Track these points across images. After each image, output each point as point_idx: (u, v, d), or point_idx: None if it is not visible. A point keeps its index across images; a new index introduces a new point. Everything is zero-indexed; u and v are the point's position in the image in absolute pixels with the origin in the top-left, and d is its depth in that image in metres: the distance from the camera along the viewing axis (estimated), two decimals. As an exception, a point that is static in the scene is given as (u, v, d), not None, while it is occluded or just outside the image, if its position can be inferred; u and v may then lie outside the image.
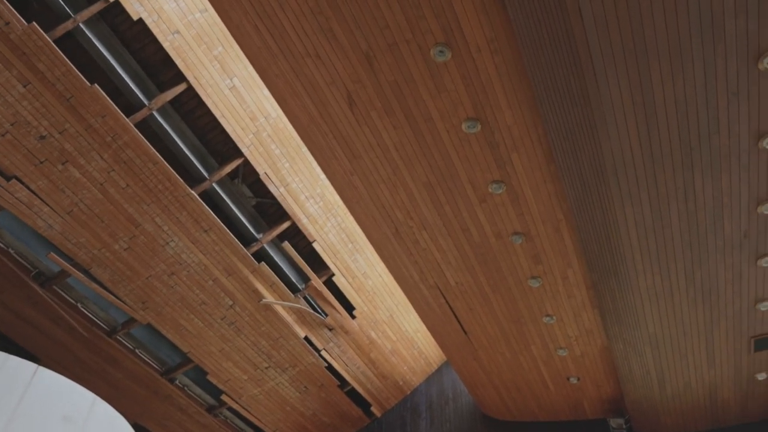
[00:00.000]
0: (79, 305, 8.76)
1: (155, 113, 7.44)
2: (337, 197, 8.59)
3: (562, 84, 4.74)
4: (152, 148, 7.36)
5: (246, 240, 8.78)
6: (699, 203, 5.57)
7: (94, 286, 8.29)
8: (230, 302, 9.02)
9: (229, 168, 8.05)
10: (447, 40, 4.84)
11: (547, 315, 7.65)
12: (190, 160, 7.86)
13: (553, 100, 4.94)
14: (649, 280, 6.38)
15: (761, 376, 7.88)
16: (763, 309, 6.81)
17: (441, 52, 4.91)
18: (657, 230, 5.81)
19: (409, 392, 11.77)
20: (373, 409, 11.50)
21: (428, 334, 11.09)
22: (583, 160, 5.22)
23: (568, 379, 8.93)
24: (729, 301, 6.72)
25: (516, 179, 5.91)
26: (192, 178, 8.01)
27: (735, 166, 5.23)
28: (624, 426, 9.30)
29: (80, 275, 8.12)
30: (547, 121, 5.18)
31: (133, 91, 7.24)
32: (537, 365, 8.75)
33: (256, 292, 8.97)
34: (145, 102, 7.32)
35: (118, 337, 9.15)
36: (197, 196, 7.86)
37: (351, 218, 9.07)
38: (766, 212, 5.66)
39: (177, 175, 7.63)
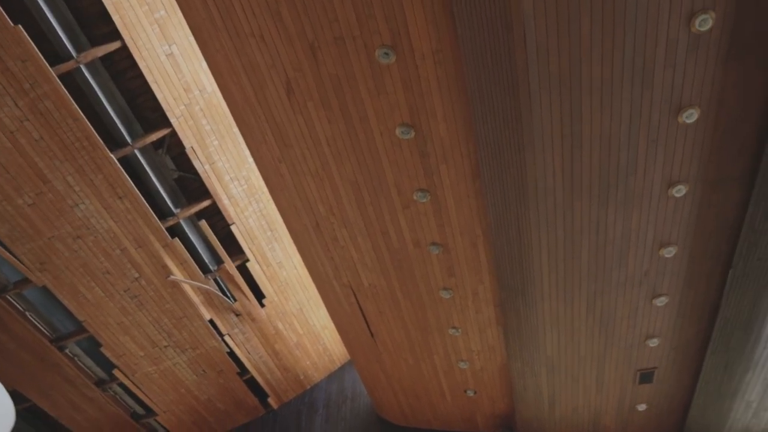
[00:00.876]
0: (-33, 257, 8.19)
1: (83, 67, 7.06)
2: (262, 182, 8.44)
3: (497, 104, 4.84)
4: (74, 103, 6.97)
5: (162, 213, 8.47)
6: (609, 238, 5.83)
7: (-11, 239, 7.77)
8: (136, 275, 8.67)
9: (154, 137, 7.74)
10: (393, 44, 4.85)
11: (454, 327, 7.80)
12: (114, 122, 7.50)
13: (487, 119, 5.05)
14: (553, 305, 6.62)
15: (641, 407, 8.35)
16: (651, 345, 7.21)
17: (386, 54, 4.91)
18: (567, 259, 6.04)
19: (308, 387, 11.71)
20: (270, 400, 11.36)
21: (335, 331, 11.08)
22: (508, 180, 5.35)
23: (465, 391, 9.13)
24: (623, 334, 7.08)
25: (441, 190, 5.99)
26: (113, 141, 7.65)
27: (645, 208, 5.51)
28: (512, 442, 9.61)
29: (-26, 226, 7.59)
30: (478, 138, 5.28)
31: (61, 40, 6.83)
32: (437, 375, 8.90)
33: (165, 267, 8.67)
34: (74, 54, 6.93)
35: (8, 297, 8.61)
36: (116, 161, 7.51)
37: (273, 206, 8.93)
38: (666, 255, 6.00)
39: (97, 136, 7.26)
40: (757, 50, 4.37)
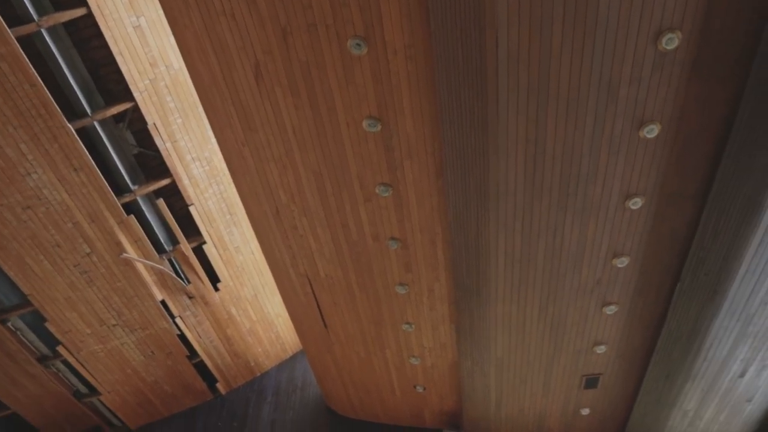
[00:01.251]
0: None
1: (44, 32, 6.80)
2: (224, 165, 8.30)
3: (465, 105, 4.86)
4: (32, 68, 6.72)
5: (119, 189, 8.26)
6: (565, 245, 5.93)
7: (-68, 203, 7.46)
8: (88, 250, 8.44)
9: (115, 110, 7.53)
10: (366, 35, 4.81)
11: (407, 322, 7.83)
12: (75, 92, 7.26)
13: (453, 119, 5.06)
14: (506, 307, 6.71)
15: (585, 411, 8.54)
16: (598, 352, 7.38)
17: (358, 45, 4.87)
18: (523, 262, 6.12)
19: (258, 374, 11.62)
20: (218, 385, 11.24)
21: (289, 320, 11.01)
22: (470, 181, 5.38)
23: (415, 387, 9.19)
24: (572, 339, 7.22)
25: (404, 186, 5.99)
26: (72, 111, 7.41)
27: (602, 217, 5.62)
28: (457, 439, 9.73)
29: None
30: (444, 137, 5.30)
31: (23, 1, 6.57)
32: (388, 369, 8.93)
33: (118, 244, 8.46)
34: (35, 17, 6.67)
35: (-52, 265, 8.29)
36: (74, 131, 7.28)
37: (234, 189, 8.80)
38: (619, 265, 6.14)
39: (55, 104, 7.02)
40: (718, 72, 4.48)
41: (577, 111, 4.70)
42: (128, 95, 7.50)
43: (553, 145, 4.98)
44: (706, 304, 6.04)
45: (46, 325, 9.19)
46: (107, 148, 7.85)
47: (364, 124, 5.46)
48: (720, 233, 5.36)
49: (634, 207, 5.49)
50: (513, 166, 5.13)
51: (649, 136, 4.87)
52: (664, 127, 4.85)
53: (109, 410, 10.91)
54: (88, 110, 7.41)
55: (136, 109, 7.60)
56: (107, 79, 7.56)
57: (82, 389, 10.55)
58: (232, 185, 8.72)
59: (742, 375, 7.02)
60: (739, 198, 4.99)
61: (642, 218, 5.66)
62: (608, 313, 6.78)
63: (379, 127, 5.47)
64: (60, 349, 9.56)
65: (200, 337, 10.27)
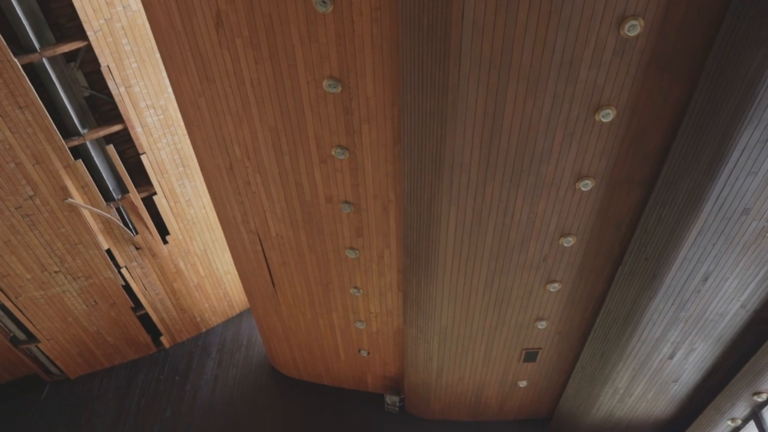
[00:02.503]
0: None
1: (-9, -41, 6.43)
2: (180, 115, 8.07)
3: (427, 74, 4.81)
4: (-23, -4, 6.35)
5: (67, 131, 7.95)
6: (514, 221, 6.01)
7: None
8: (31, 193, 8.14)
9: (67, 47, 7.18)
10: (332, -8, 4.70)
11: (355, 287, 7.87)
12: (22, 24, 6.89)
13: (415, 86, 5.02)
14: (453, 278, 6.80)
15: (522, 384, 8.80)
16: (540, 327, 7.58)
17: (323, 2, 4.75)
18: (473, 236, 6.19)
19: (204, 330, 11.55)
20: (162, 339, 11.13)
21: (237, 278, 10.93)
22: (426, 151, 5.38)
23: (359, 351, 9.30)
24: (515, 313, 7.39)
25: (360, 150, 5.94)
26: (19, 45, 7.05)
27: (552, 197, 5.71)
28: (398, 404, 9.91)
29: None
30: (404, 103, 5.25)
31: (-31, -76, 6.18)
32: (334, 332, 9.00)
33: (64, 189, 8.18)
34: (-18, -58, 6.28)
35: None
36: (20, 66, 6.93)
37: (188, 141, 8.59)
38: (565, 245, 6.27)
39: (0, 36, 6.66)
40: (675, 64, 4.56)
41: (537, 89, 4.72)
42: (81, 34, 7.17)
43: (510, 120, 5.00)
44: (644, 288, 6.24)
45: (-16, 267, 8.90)
46: (56, 88, 7.52)
47: (325, 84, 5.36)
48: (663, 221, 5.52)
49: (584, 189, 5.59)
50: (470, 138, 5.14)
51: (604, 120, 4.94)
52: (619, 114, 4.92)
53: (48, 358, 10.70)
54: (37, 45, 7.06)
55: (89, 49, 7.28)
56: (59, 14, 7.20)
57: (20, 335, 10.29)
58: (187, 137, 8.50)
59: (671, 357, 7.33)
60: (683, 190, 5.14)
61: (591, 200, 5.77)
62: (551, 290, 6.95)
63: (340, 89, 5.39)
64: (-3, 292, 9.28)
65: (146, 289, 10.12)
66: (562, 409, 9.09)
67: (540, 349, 8.09)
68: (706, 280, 6.02)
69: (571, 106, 4.87)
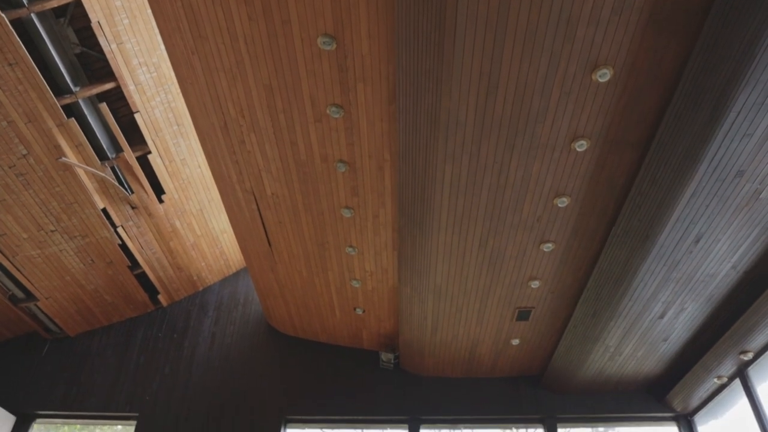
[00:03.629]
0: None
1: None
2: (173, 73, 7.96)
3: (422, 32, 4.75)
4: (-38, -52, 6.18)
5: (59, 89, 7.85)
6: (509, 181, 6.02)
7: None
8: (24, 151, 8.09)
9: (56, 2, 7.02)
10: (325, -54, 4.59)
11: (351, 246, 7.92)
12: (9, -22, 6.75)
13: (410, 44, 4.95)
14: (447, 237, 6.84)
15: (515, 342, 8.96)
16: (533, 286, 7.67)
17: (316, -44, 4.66)
18: (467, 195, 6.21)
19: (201, 289, 11.65)
20: (160, 297, 11.23)
21: (233, 236, 10.97)
22: (421, 109, 5.34)
23: (354, 309, 9.41)
24: (508, 272, 7.47)
25: (356, 108, 5.90)
26: (7, 0, 6.90)
27: (547, 157, 5.70)
28: (393, 361, 10.09)
29: None
30: (399, 62, 5.20)
31: None
32: (329, 290, 9.09)
33: (57, 148, 8.13)
34: None
35: None
36: (8, 22, 6.79)
37: (182, 100, 8.49)
38: (560, 205, 6.29)
39: (-13, -9, 6.53)
40: (673, 23, 4.50)
41: (534, 48, 4.66)
42: (70, -12, 7.02)
43: (506, 80, 4.96)
44: (637, 248, 6.30)
45: (-20, 226, 8.90)
46: (46, 45, 7.38)
47: (319, 41, 5.29)
48: (657, 182, 5.53)
49: (579, 149, 5.59)
50: (465, 97, 5.10)
51: (601, 80, 4.90)
52: (616, 73, 4.88)
53: (47, 316, 10.80)
54: (25, 0, 6.91)
55: (78, 4, 7.13)
56: (47, -31, 7.03)
57: (19, 294, 10.37)
58: (180, 95, 8.40)
59: (661, 316, 7.45)
60: (678, 151, 5.14)
61: (586, 161, 5.77)
62: (545, 250, 7.01)
63: (334, 46, 5.32)
64: (-6, 251, 9.31)
65: (142, 248, 10.16)
66: (554, 366, 9.27)
67: (533, 308, 8.20)
68: (698, 241, 6.07)
69: (568, 65, 4.82)
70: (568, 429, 9.90)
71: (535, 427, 9.86)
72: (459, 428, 9.94)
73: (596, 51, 4.72)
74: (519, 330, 8.75)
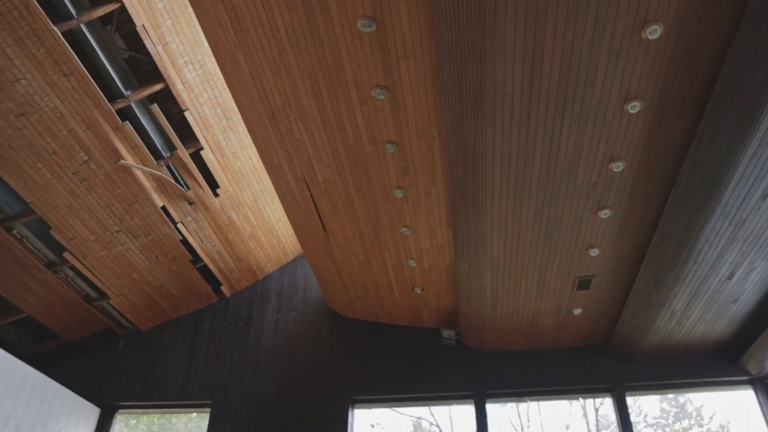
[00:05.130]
0: None
1: (20, -73, 6.46)
2: (218, 68, 8.11)
3: (463, 5, 4.68)
4: (11, -34, 6.43)
5: (112, 94, 8.12)
6: (561, 149, 5.91)
7: (-75, 110, 7.36)
8: (85, 157, 8.42)
9: (102, 11, 7.24)
10: (358, -72, 4.57)
11: (405, 226, 7.95)
12: (57, -9, 6.98)
13: (451, 19, 4.89)
14: (502, 211, 6.78)
15: (577, 311, 8.84)
16: (592, 254, 7.53)
17: (350, -62, 4.64)
18: (519, 167, 6.13)
19: (261, 277, 11.93)
20: (223, 288, 11.56)
21: (289, 224, 11.16)
22: (466, 84, 5.29)
23: (413, 288, 9.47)
24: (566, 242, 7.35)
25: (400, 88, 5.88)
26: (56, 13, 7.14)
27: (600, 121, 5.56)
28: (454, 337, 10.12)
29: None
30: (440, 38, 5.14)
31: None
32: (387, 271, 9.16)
33: (115, 151, 8.44)
34: None
35: (-52, 173, 8.30)
36: (60, 35, 7.05)
37: (229, 93, 8.63)
38: (615, 170, 6.14)
39: (38, 5, 6.76)
40: (727, -33, 4.29)
41: (578, 10, 4.53)
42: (114, -5, 7.21)
43: (552, 47, 4.84)
44: (699, 208, 6.09)
45: (51, 232, 9.34)
46: (96, 53, 7.64)
47: (359, 23, 5.29)
48: (717, 139, 5.32)
49: (632, 111, 5.42)
50: (510, 69, 5.02)
51: (651, 37, 4.73)
52: (666, 29, 4.70)
53: (120, 313, 11.30)
54: (74, 12, 7.15)
55: (123, 10, 7.32)
56: (91, -22, 7.24)
57: (92, 293, 10.87)
58: (227, 89, 8.55)
59: (729, 277, 7.20)
60: (737, 107, 4.92)
61: (640, 123, 5.60)
62: (602, 217, 6.86)
63: (374, 27, 5.31)
64: (66, 255, 9.76)
65: (202, 242, 10.46)
66: (619, 333, 9.11)
67: (593, 276, 8.06)
68: (765, 197, 5.82)
69: (615, 25, 4.67)
70: (637, 397, 9.74)
71: (603, 397, 9.74)
72: (525, 401, 9.92)
73: (644, 7, 4.55)
74: (580, 299, 8.62)
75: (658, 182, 6.36)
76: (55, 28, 6.96)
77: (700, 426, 9.85)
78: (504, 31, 4.66)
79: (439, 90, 5.83)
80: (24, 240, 9.52)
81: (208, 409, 10.40)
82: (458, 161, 6.33)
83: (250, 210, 10.62)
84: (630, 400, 9.50)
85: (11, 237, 9.29)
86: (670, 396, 9.84)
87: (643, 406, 9.99)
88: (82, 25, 7.26)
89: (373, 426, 10.23)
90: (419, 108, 6.09)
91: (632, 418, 9.28)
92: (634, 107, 5.37)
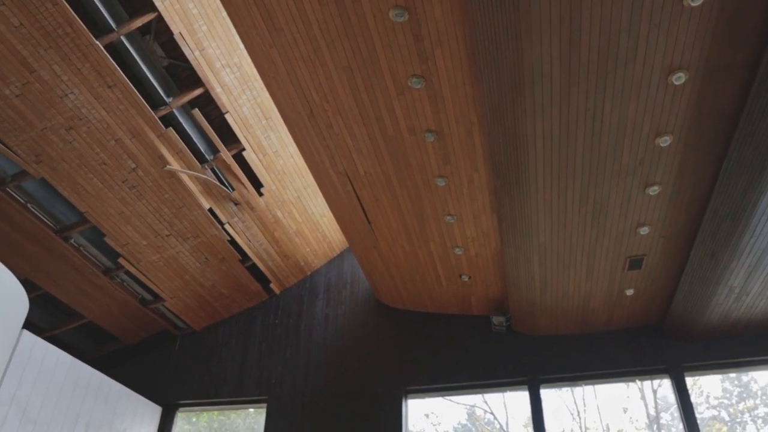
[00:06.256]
0: (-37, 150, 8.14)
1: (58, -54, 6.66)
2: (255, 70, 8.22)
3: (494, -15, 4.62)
4: (52, -16, 6.65)
5: (154, 102, 8.33)
6: (605, 127, 5.78)
7: (-19, 130, 7.70)
8: (133, 165, 8.67)
9: (140, 22, 7.43)
10: None
11: (449, 214, 7.92)
12: (96, 6, 7.17)
13: (483, 1, 4.83)
14: (547, 193, 6.68)
15: (629, 292, 8.65)
16: (642, 233, 7.35)
17: (377, -71, 4.63)
18: (562, 148, 6.02)
19: (309, 273, 12.07)
20: (272, 285, 11.76)
21: (333, 219, 11.25)
22: (503, 67, 5.22)
23: (460, 276, 9.43)
24: (615, 222, 7.20)
25: (436, 76, 5.85)
26: (98, 27, 7.36)
27: (643, 96, 5.41)
28: (504, 324, 10.04)
29: (-36, 116, 7.49)
30: (474, 22, 5.09)
31: None
32: (433, 261, 9.15)
33: (161, 157, 8.66)
34: (48, -70, 6.52)
35: (7, 189, 8.66)
36: (102, 48, 7.27)
37: (267, 94, 8.74)
38: (662, 144, 5.97)
39: (80, 22, 6.98)
40: (772, -76, 4.11)
41: (615, -18, 4.42)
42: (150, 5, 7.36)
43: (589, 23, 4.73)
44: (754, 179, 5.86)
45: (105, 239, 9.67)
46: (137, 63, 7.84)
47: (391, 14, 5.28)
48: (770, 104, 5.11)
49: (677, 82, 5.26)
50: (548, 48, 4.92)
51: (693, 3, 4.56)
52: (709, -7, 4.53)
53: (174, 314, 11.63)
54: (113, 25, 7.35)
55: (160, 19, 7.49)
56: (127, -11, 7.43)
57: (147, 297, 11.21)
58: (265, 90, 8.66)
59: (791, 248, 6.92)
60: (792, 64, 4.71)
61: (686, 94, 5.43)
62: (651, 193, 6.69)
63: (407, 17, 5.29)
64: (121, 261, 10.10)
65: (250, 242, 10.65)
66: (674, 313, 8.88)
67: (645, 255, 7.87)
68: (824, 162, 5.57)
69: (655, -6, 4.53)
70: (696, 378, 9.48)
71: (661, 378, 9.52)
72: (580, 385, 9.78)
73: (685, -26, 4.40)
74: (632, 279, 8.43)
75: (708, 154, 6.15)
76: (97, 42, 7.17)
77: (767, 405, 9.53)
78: (539, 8, 4.58)
79: (475, 75, 5.78)
80: (81, 248, 9.88)
81: (265, 405, 10.61)
82: (499, 145, 6.26)
83: (295, 207, 10.76)
84: (689, 381, 9.26)
85: (69, 246, 9.66)
86: (732, 375, 9.54)
87: (704, 386, 9.71)
88: (122, 37, 7.46)
89: (427, 416, 10.26)
90: (457, 94, 6.04)
91: (693, 399, 9.04)
92: (679, 78, 5.20)
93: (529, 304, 9.12)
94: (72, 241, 9.72)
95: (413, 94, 6.12)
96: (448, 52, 5.58)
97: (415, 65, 5.77)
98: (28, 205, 9.00)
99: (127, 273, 10.59)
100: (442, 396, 10.28)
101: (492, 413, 10.29)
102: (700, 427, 8.71)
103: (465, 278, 9.46)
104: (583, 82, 5.24)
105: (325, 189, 8.57)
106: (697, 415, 8.86)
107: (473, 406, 10.43)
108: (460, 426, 10.39)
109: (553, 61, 5.04)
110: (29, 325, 10.76)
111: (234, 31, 7.95)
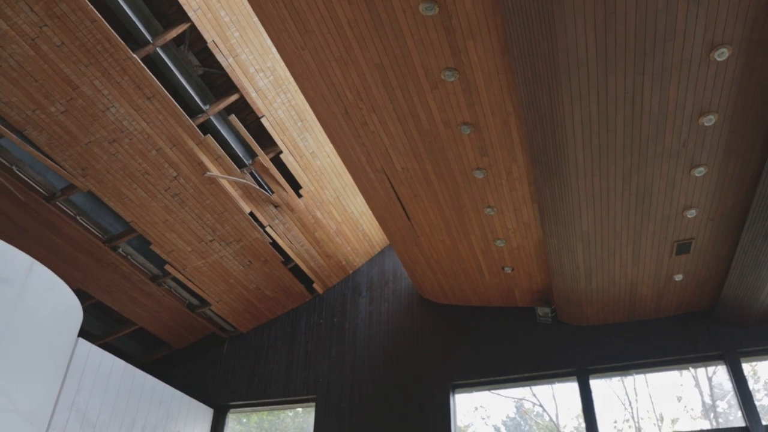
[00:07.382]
0: (14, 168, 8.44)
1: (94, -36, 6.85)
2: (288, 73, 8.30)
3: (525, -28, 4.56)
4: (89, 3, 6.83)
5: (192, 111, 8.49)
6: (645, 109, 5.64)
7: (30, 149, 7.97)
8: (174, 173, 8.86)
9: (174, 33, 7.59)
10: None
11: (489, 206, 7.85)
12: (132, 20, 7.35)
13: (514, -11, 4.77)
14: (588, 180, 6.56)
15: (678, 277, 8.43)
16: (689, 216, 7.16)
17: (403, -77, 4.61)
18: (602, 133, 5.90)
19: (351, 272, 12.14)
20: (315, 286, 11.86)
21: (373, 217, 11.29)
22: (538, 54, 5.14)
23: (503, 268, 9.35)
24: (660, 206, 7.03)
25: (470, 67, 5.81)
26: (134, 41, 7.55)
27: (684, 75, 5.26)
28: (550, 314, 9.91)
29: (13, 137, 7.76)
30: (505, 10, 5.03)
31: (68, -65, 6.60)
32: (475, 254, 9.09)
33: (201, 164, 8.83)
34: (83, -51, 6.70)
35: (57, 203, 8.96)
36: (140, 61, 7.45)
37: (301, 96, 8.83)
38: (706, 124, 5.80)
39: (117, 37, 7.17)
40: None
41: (650, -41, 4.31)
42: (183, 16, 7.51)
43: (624, 3, 4.62)
44: (807, 153, 5.65)
45: (152, 247, 9.91)
46: (173, 73, 8.00)
47: (421, 8, 5.26)
48: (820, 74, 4.91)
49: (719, 59, 5.10)
50: (582, 31, 4.83)
51: (733, -24, 4.42)
52: (750, -37, 4.38)
53: (221, 318, 11.85)
54: (149, 37, 7.52)
55: (193, 28, 7.63)
56: (159, 3, 7.58)
57: (194, 302, 11.45)
58: (299, 92, 8.75)
59: None
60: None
61: (729, 70, 5.25)
62: (697, 175, 6.50)
63: (437, 10, 5.26)
64: (168, 267, 10.33)
65: (291, 243, 10.77)
66: (726, 297, 8.62)
67: (693, 239, 7.66)
68: None
69: (692, -31, 4.40)
70: (754, 363, 9.18)
71: (715, 365, 9.25)
72: (630, 374, 9.58)
73: (723, -54, 4.26)
74: (680, 264, 8.22)
75: (755, 132, 5.95)
76: (135, 56, 7.35)
77: (829, 388, 9.17)
78: (572, -7, 4.50)
79: (509, 64, 5.71)
80: (128, 257, 10.15)
81: (313, 404, 10.73)
82: (537, 134, 6.18)
83: (334, 207, 10.83)
84: (746, 367, 8.97)
85: (117, 255, 9.93)
86: (792, 358, 9.21)
87: (762, 372, 9.40)
88: (158, 49, 7.62)
89: (476, 409, 10.21)
90: (491, 85, 5.99)
91: (750, 385, 8.76)
92: (722, 54, 5.04)
93: (575, 293, 8.97)
94: (120, 250, 9.99)
95: (447, 88, 6.08)
96: (480, 42, 5.53)
97: (448, 58, 5.74)
98: (77, 217, 9.29)
99: (174, 279, 10.84)
100: (489, 390, 10.21)
101: (541, 405, 10.17)
102: (760, 415, 8.43)
103: (508, 270, 9.37)
104: (620, 65, 5.13)
105: (363, 187, 8.59)
106: (756, 402, 8.58)
107: (522, 399, 10.33)
108: (508, 419, 10.31)
109: (588, 44, 4.94)
110: (84, 333, 11.12)
111: (266, 35, 8.04)
